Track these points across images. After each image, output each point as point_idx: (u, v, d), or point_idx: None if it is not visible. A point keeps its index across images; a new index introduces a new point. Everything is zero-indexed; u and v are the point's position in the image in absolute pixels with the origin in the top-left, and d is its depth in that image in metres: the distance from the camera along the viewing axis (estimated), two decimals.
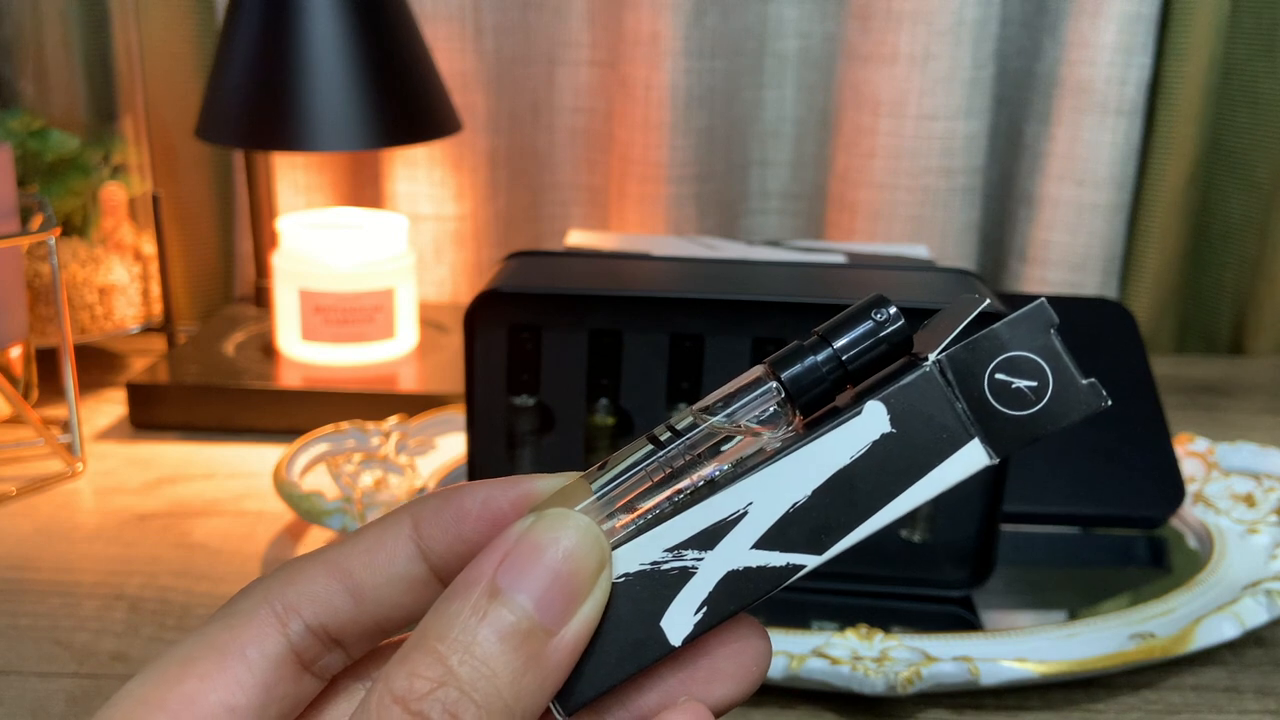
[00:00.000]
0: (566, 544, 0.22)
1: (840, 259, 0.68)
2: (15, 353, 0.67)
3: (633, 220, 0.86)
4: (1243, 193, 0.88)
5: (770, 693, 0.45)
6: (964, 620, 0.50)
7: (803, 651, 0.44)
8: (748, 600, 0.23)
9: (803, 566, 0.22)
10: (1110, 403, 0.22)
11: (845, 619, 0.47)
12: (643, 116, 0.82)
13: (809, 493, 0.22)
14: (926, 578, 0.51)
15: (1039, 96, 0.84)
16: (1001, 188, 0.89)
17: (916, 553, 0.51)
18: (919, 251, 0.72)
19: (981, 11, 0.79)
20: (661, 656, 0.22)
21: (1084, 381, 0.22)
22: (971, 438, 0.22)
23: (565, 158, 0.90)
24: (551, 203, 0.91)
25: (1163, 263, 0.87)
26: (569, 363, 0.50)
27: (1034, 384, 0.22)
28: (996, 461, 0.23)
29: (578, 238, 0.73)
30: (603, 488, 0.23)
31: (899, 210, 0.83)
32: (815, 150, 0.89)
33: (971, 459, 0.23)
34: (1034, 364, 0.22)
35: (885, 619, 0.48)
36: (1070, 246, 0.84)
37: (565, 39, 0.86)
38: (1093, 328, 0.63)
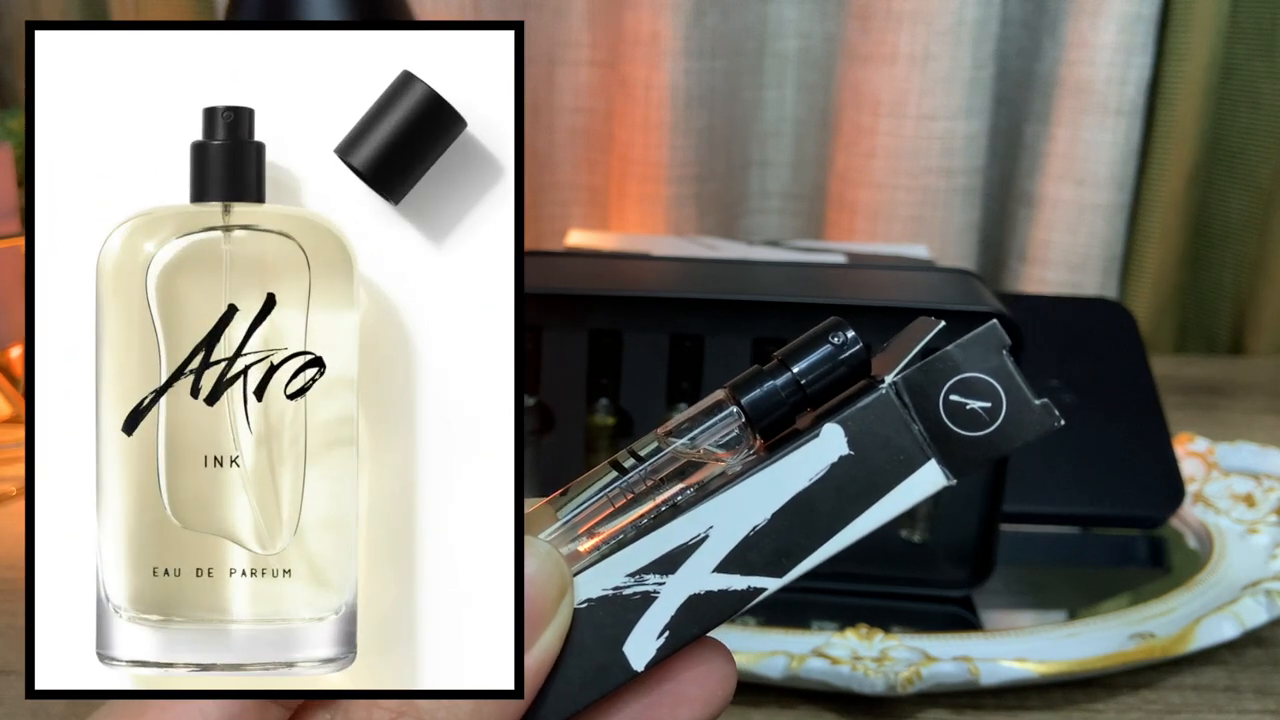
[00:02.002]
0: (528, 571, 0.22)
1: (840, 259, 0.68)
2: (15, 353, 0.67)
3: (633, 220, 0.86)
4: (1243, 193, 0.88)
5: (770, 693, 0.45)
6: (964, 620, 0.50)
7: (803, 651, 0.44)
8: (710, 624, 0.23)
9: (764, 589, 0.23)
10: (1063, 423, 0.22)
11: (845, 619, 0.47)
12: (643, 116, 0.82)
13: (768, 516, 0.23)
14: (926, 578, 0.51)
15: (1039, 96, 0.84)
16: (1001, 188, 0.89)
17: (916, 553, 0.51)
18: (919, 251, 0.72)
19: (981, 11, 0.79)
20: (625, 681, 0.23)
21: (1037, 402, 0.23)
22: (928, 459, 0.23)
23: (565, 158, 0.90)
24: (551, 203, 0.91)
25: (1163, 263, 0.87)
26: (569, 363, 0.50)
27: (988, 405, 0.23)
28: (954, 482, 0.23)
29: (578, 238, 0.73)
30: (566, 514, 0.23)
31: (899, 210, 0.83)
32: (815, 150, 0.89)
33: (929, 480, 0.23)
34: (988, 385, 0.23)
35: (885, 619, 0.48)
36: (1070, 246, 0.84)
37: (565, 39, 0.86)
38: (1093, 328, 0.63)
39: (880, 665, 0.43)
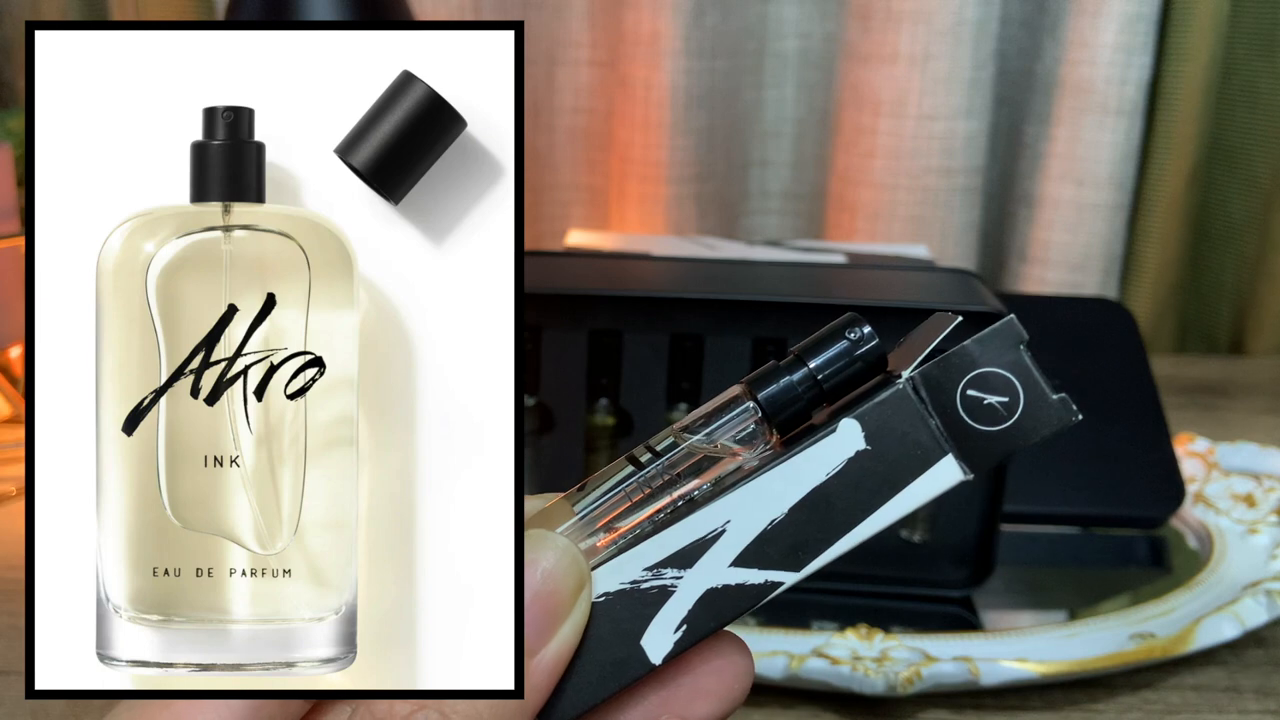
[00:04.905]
0: (545, 565, 0.22)
1: (840, 259, 0.68)
2: (15, 353, 0.67)
3: (633, 220, 0.86)
4: (1243, 193, 0.88)
5: (770, 693, 0.45)
6: (964, 620, 0.50)
7: (803, 651, 0.44)
8: (727, 618, 0.23)
9: (780, 584, 0.23)
10: (1081, 417, 0.22)
11: (845, 619, 0.47)
12: (643, 116, 0.82)
13: (786, 510, 0.23)
14: (926, 578, 0.51)
15: (1039, 96, 0.84)
16: (1001, 188, 0.89)
17: (916, 553, 0.51)
18: (919, 251, 0.72)
19: (981, 11, 0.79)
20: (642, 675, 0.23)
21: (1055, 396, 0.23)
22: (945, 454, 0.23)
23: (565, 158, 0.90)
24: (551, 203, 0.91)
25: (1163, 263, 0.87)
26: (569, 363, 0.50)
27: (1005, 399, 0.23)
28: (971, 478, 0.23)
29: (578, 238, 0.73)
30: (584, 509, 0.23)
31: (899, 210, 0.83)
32: (815, 150, 0.89)
33: (945, 475, 0.23)
34: (1005, 380, 0.23)
35: (885, 619, 0.48)
36: (1070, 246, 0.84)
37: (565, 39, 0.86)
38: (1093, 328, 0.63)
39: (880, 665, 0.43)
